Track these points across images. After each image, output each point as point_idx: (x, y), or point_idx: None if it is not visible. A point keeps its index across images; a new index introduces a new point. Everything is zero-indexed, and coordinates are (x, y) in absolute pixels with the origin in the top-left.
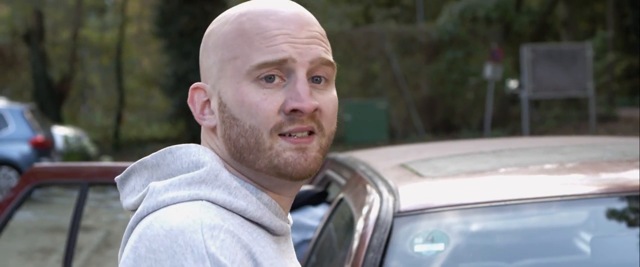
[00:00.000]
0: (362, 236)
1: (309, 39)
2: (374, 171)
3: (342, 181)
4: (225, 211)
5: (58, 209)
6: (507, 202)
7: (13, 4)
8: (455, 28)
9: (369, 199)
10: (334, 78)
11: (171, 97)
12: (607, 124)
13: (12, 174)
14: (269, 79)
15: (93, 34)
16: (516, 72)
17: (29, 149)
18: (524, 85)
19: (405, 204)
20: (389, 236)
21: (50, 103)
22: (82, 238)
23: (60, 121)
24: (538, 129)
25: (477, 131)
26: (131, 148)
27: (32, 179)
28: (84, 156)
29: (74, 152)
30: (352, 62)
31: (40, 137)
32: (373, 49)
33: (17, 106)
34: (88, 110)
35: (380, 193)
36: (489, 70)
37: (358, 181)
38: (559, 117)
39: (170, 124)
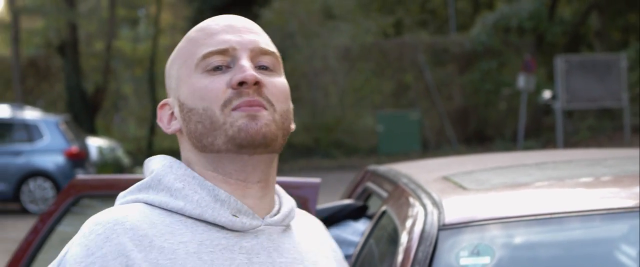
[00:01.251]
0: (407, 250)
1: (249, 33)
2: (416, 183)
3: (384, 194)
4: (161, 210)
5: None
6: (552, 215)
7: (47, 16)
8: (488, 38)
9: (413, 211)
10: (281, 69)
11: None
12: None
13: (47, 184)
14: (217, 68)
15: (126, 45)
16: (549, 83)
17: (63, 160)
18: (557, 96)
19: (450, 217)
20: (434, 249)
21: (83, 114)
22: None
23: (93, 132)
24: (572, 140)
25: (511, 142)
26: None
27: (73, 192)
28: (118, 166)
29: (108, 163)
30: (385, 73)
31: (74, 148)
32: (405, 60)
33: (52, 117)
34: (121, 121)
35: (424, 206)
36: (522, 81)
37: (401, 194)
38: (593, 127)
39: None
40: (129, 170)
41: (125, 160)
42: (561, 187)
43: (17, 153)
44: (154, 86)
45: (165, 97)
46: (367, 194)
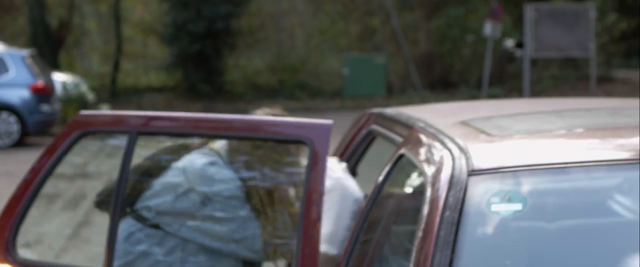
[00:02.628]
0: (435, 194)
1: None
2: (435, 128)
3: (396, 137)
4: None
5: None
6: (582, 164)
7: None
8: None
9: (438, 156)
10: None
11: (169, 46)
12: (605, 85)
13: (12, 119)
14: None
15: None
16: (515, 31)
17: (29, 94)
18: (525, 44)
19: (478, 163)
20: (464, 194)
21: (47, 49)
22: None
23: (57, 68)
24: (535, 88)
25: (475, 89)
26: (128, 96)
27: (77, 127)
28: (82, 103)
29: (72, 99)
30: (352, 16)
31: (40, 83)
32: (373, 3)
33: (18, 51)
34: (84, 57)
35: (450, 151)
36: (488, 28)
37: (419, 138)
38: (557, 77)
39: (167, 73)
40: (94, 106)
41: (90, 96)
42: (586, 135)
43: None
44: (118, 22)
45: (128, 35)
46: (372, 137)
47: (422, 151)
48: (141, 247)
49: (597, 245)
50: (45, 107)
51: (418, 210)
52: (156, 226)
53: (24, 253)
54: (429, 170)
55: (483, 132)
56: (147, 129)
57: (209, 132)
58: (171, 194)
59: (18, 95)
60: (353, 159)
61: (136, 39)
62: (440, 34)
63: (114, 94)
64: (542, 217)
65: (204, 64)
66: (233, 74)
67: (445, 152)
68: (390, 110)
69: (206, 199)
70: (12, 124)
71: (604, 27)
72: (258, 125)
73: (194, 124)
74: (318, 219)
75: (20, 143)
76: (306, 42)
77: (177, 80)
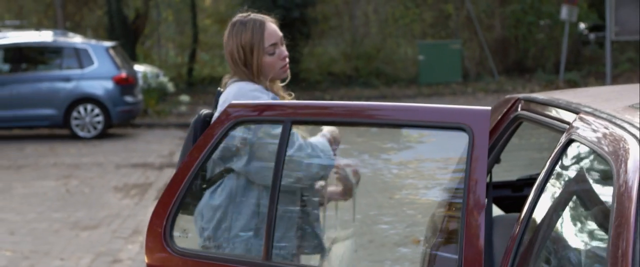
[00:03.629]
0: (626, 180)
1: None
2: (606, 112)
3: (554, 123)
4: None
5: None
6: None
7: None
8: None
9: (621, 142)
10: None
11: None
12: None
13: (97, 110)
14: None
15: None
16: (591, 14)
17: (112, 85)
18: (607, 27)
19: None
20: None
21: (124, 41)
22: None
23: (135, 59)
24: (613, 72)
25: (552, 73)
26: (204, 86)
27: (230, 117)
28: (163, 93)
29: (152, 89)
30: (426, 3)
31: (124, 74)
32: None
33: (102, 43)
34: (160, 48)
35: (634, 135)
36: (565, 12)
37: (592, 123)
38: (633, 60)
39: None
40: (174, 97)
41: (169, 86)
42: None
43: (67, 79)
44: (195, 13)
45: (203, 25)
46: (518, 123)
47: (598, 137)
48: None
49: None
50: (128, 98)
51: (597, 196)
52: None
53: (181, 243)
54: (612, 155)
55: None
56: (301, 118)
57: (364, 120)
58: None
59: (102, 86)
60: (498, 145)
61: (211, 29)
62: (515, 19)
63: (191, 85)
64: None
65: None
66: (309, 63)
67: (629, 137)
68: (542, 96)
69: None
70: (96, 115)
71: None
72: (416, 111)
73: (348, 111)
74: (476, 207)
75: (104, 134)
76: (380, 29)
77: None
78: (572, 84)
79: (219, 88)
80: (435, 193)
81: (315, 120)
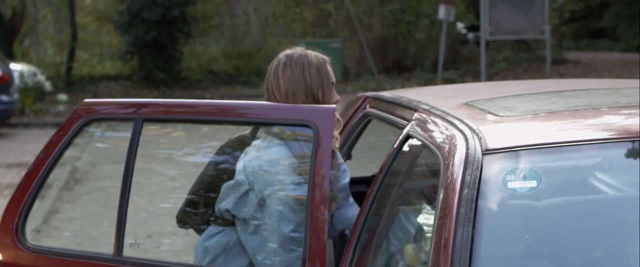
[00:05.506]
0: (452, 173)
1: None
2: (440, 109)
3: (397, 120)
4: None
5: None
6: (592, 142)
7: None
8: None
9: (449, 137)
10: None
11: (124, 34)
12: (557, 67)
13: None
14: None
15: None
16: (469, 14)
17: None
18: (481, 27)
19: (492, 143)
20: (480, 173)
21: (1, 39)
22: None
23: (12, 58)
24: (489, 71)
25: (430, 72)
26: (84, 85)
27: (83, 115)
28: (40, 92)
29: (29, 89)
30: (306, 2)
31: None
32: None
33: None
34: (39, 46)
35: (461, 131)
36: (442, 12)
37: (427, 120)
38: (509, 59)
39: (122, 61)
40: (51, 96)
41: (47, 85)
42: (592, 114)
43: None
44: (73, 11)
45: (82, 23)
46: (367, 120)
47: (431, 132)
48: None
49: (612, 220)
50: (4, 97)
51: (428, 189)
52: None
53: (33, 240)
54: (441, 150)
55: (490, 113)
56: (153, 116)
57: (214, 117)
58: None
59: None
60: (349, 142)
61: (90, 27)
62: (394, 18)
63: (70, 83)
64: (557, 194)
65: (159, 52)
66: (189, 61)
67: (457, 133)
68: (388, 94)
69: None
70: None
71: (553, 9)
72: (264, 110)
73: (199, 110)
74: (322, 202)
75: None
76: (261, 28)
77: (133, 68)
78: (450, 83)
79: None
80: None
81: (165, 118)
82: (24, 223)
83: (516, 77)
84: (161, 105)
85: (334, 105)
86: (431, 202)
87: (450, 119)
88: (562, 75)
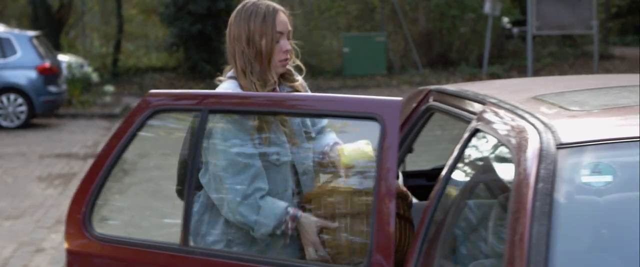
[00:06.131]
0: (525, 168)
1: None
2: (510, 103)
3: (464, 113)
4: None
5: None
6: None
7: None
8: None
9: (521, 131)
10: None
11: (170, 27)
12: (603, 62)
13: (20, 100)
14: None
15: None
16: (514, 8)
17: (36, 75)
18: (528, 22)
19: (565, 137)
20: (554, 167)
21: (48, 30)
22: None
23: (59, 49)
24: (535, 66)
25: (475, 67)
26: (129, 77)
27: (149, 106)
28: (87, 83)
29: (77, 80)
30: None
31: (47, 63)
32: None
33: (25, 32)
34: (85, 38)
35: (533, 125)
36: (488, 6)
37: (496, 114)
38: (554, 54)
39: (168, 53)
40: (98, 87)
41: (94, 77)
42: None
43: None
44: (120, 3)
45: (128, 15)
46: (430, 114)
47: (501, 126)
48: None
49: None
50: (52, 88)
51: (498, 183)
52: None
53: (100, 228)
54: (513, 144)
55: (560, 107)
56: (219, 107)
57: (280, 109)
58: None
59: (25, 76)
60: (410, 136)
61: (137, 19)
62: (440, 12)
63: (116, 75)
64: (632, 189)
65: (205, 44)
66: None
67: (529, 127)
68: (452, 87)
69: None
70: (20, 105)
71: (600, 4)
72: (333, 102)
73: (265, 101)
74: (388, 195)
75: (27, 124)
76: (306, 21)
77: (179, 60)
78: (495, 78)
79: (218, 78)
80: (354, 181)
81: (234, 109)
82: (90, 213)
83: (562, 72)
84: (228, 97)
85: (399, 99)
86: (500, 195)
87: (520, 113)
88: (608, 71)
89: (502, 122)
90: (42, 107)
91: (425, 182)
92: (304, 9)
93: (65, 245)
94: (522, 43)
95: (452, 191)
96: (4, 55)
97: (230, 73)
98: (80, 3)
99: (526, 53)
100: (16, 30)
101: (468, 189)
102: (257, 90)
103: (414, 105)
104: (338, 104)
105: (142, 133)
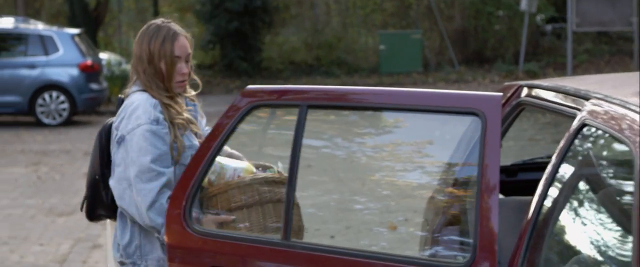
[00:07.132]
0: None
1: None
2: (619, 98)
3: (563, 109)
4: None
5: None
6: None
7: None
8: None
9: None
10: None
11: (207, 24)
12: None
13: (62, 97)
14: None
15: None
16: (550, 5)
17: (78, 73)
18: (568, 19)
19: None
20: None
21: (85, 28)
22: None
23: (96, 46)
24: (572, 63)
25: (511, 64)
26: None
27: (248, 102)
28: (126, 80)
29: (116, 77)
30: None
31: (89, 61)
32: None
33: (67, 30)
34: (122, 36)
35: None
36: (524, 3)
37: (606, 109)
38: (590, 51)
39: (204, 50)
40: None
41: None
42: None
43: (32, 66)
44: (156, 1)
45: (165, 13)
46: (521, 109)
47: (615, 122)
48: None
49: None
50: (94, 86)
51: (611, 179)
52: None
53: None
54: (632, 140)
55: None
56: (318, 102)
57: (378, 104)
58: None
59: (67, 74)
60: (500, 131)
61: (173, 17)
62: (474, 10)
63: None
64: None
65: (241, 42)
66: (270, 51)
67: None
68: (546, 82)
69: None
70: (62, 103)
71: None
72: (431, 97)
73: (362, 97)
74: (491, 191)
75: (69, 122)
76: (341, 18)
77: (215, 58)
78: (532, 75)
79: (120, 95)
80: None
81: (332, 104)
82: (190, 207)
83: (598, 70)
84: (327, 92)
85: (500, 94)
86: (618, 191)
87: (633, 108)
88: None
89: (615, 118)
90: (84, 104)
91: (505, 178)
92: (340, 6)
93: (166, 240)
94: (556, 40)
95: (560, 187)
96: (47, 53)
97: (136, 86)
98: (116, 1)
99: (562, 50)
100: (58, 28)
101: (577, 185)
102: (167, 102)
103: (504, 100)
104: (439, 99)
105: (240, 128)
